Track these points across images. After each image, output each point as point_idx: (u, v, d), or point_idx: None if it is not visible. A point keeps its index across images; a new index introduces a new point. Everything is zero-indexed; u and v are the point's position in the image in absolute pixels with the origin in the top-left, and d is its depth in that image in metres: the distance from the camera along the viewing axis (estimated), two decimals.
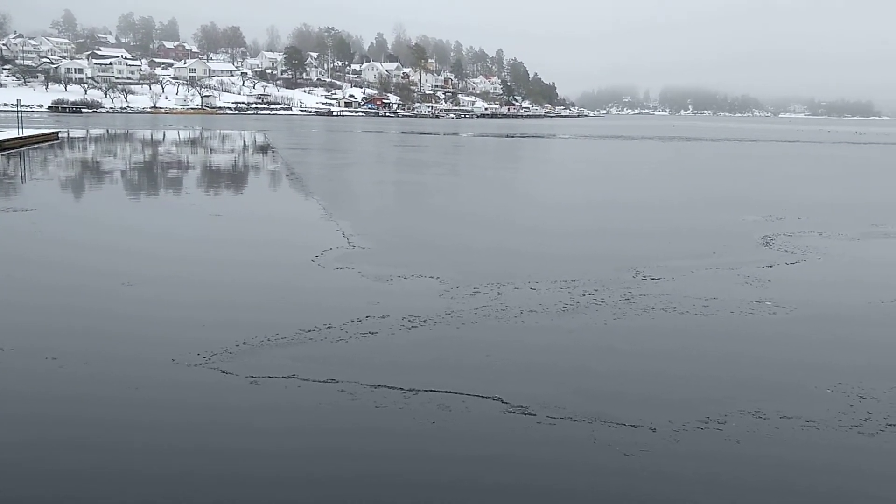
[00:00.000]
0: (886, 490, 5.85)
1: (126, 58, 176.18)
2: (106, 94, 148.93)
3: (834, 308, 11.02)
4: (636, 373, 8.17)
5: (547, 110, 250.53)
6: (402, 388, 7.47)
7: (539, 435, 6.57)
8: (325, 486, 5.79)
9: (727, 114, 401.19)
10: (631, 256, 14.35)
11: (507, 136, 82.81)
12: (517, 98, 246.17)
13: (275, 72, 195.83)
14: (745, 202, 23.77)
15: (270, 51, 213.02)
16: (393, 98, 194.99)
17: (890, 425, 6.84)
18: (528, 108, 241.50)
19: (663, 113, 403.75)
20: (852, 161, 50.48)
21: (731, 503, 5.62)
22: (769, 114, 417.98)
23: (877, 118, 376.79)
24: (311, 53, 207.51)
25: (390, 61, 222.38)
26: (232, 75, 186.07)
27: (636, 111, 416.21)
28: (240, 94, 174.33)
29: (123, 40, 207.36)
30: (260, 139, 61.99)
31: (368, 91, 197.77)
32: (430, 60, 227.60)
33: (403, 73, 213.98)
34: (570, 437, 6.53)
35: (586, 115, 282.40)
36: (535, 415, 6.92)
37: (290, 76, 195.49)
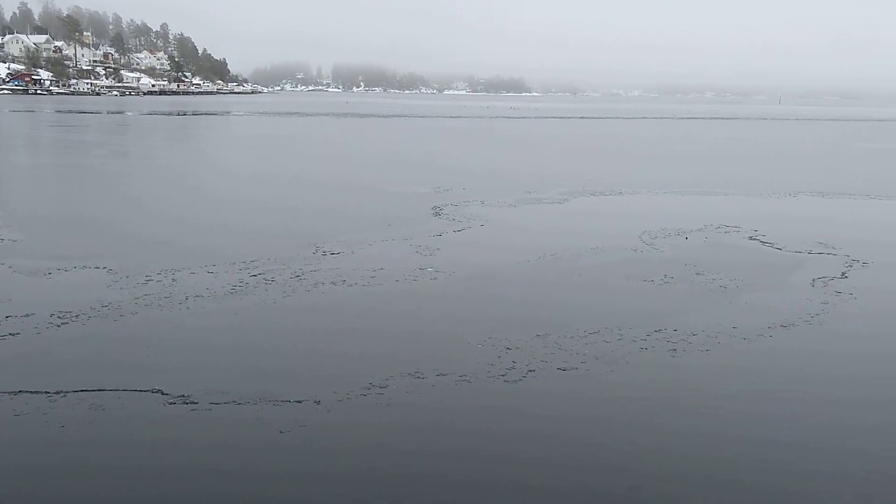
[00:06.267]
0: (522, 422, 6.50)
1: None
2: None
3: (488, 269, 11.93)
4: (301, 349, 8.24)
5: (219, 87, 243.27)
6: (47, 392, 6.82)
7: (199, 422, 6.37)
8: None
9: (397, 91, 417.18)
10: (313, 232, 14.47)
11: (179, 114, 79.01)
12: (187, 74, 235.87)
13: None
14: (415, 176, 24.91)
15: None
16: (44, 74, 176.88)
17: (531, 371, 7.56)
18: (199, 84, 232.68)
19: (336, 90, 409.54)
20: (508, 134, 55.01)
21: (371, 461, 5.86)
22: (434, 90, 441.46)
23: (528, 94, 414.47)
24: None
25: (39, 34, 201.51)
26: None
27: (310, 88, 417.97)
28: None
29: None
30: None
31: (14, 66, 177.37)
32: (86, 34, 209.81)
33: (55, 46, 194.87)
34: (230, 420, 6.40)
35: (261, 92, 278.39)
36: (197, 402, 6.68)
37: None
